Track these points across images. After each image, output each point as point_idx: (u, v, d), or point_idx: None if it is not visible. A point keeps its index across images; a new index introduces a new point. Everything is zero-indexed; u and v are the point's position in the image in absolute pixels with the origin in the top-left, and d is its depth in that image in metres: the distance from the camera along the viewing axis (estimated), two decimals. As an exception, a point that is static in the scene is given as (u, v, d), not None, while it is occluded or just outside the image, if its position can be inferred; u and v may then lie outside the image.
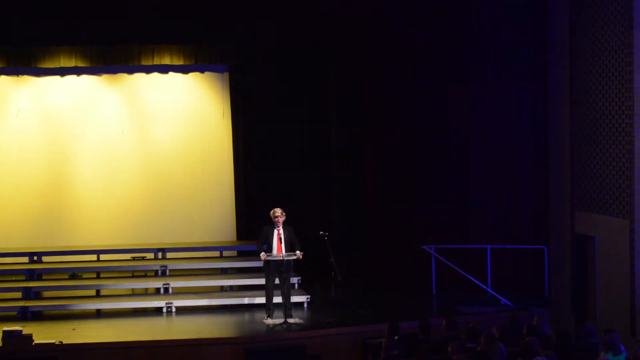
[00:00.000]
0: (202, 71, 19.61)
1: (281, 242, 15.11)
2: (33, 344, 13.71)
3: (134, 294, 17.27)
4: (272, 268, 15.20)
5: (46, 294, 17.20)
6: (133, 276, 17.82)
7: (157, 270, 17.80)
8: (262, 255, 15.14)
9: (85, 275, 17.84)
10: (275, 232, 15.18)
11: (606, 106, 15.74)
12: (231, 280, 17.51)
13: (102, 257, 18.41)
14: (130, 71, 19.38)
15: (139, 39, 18.44)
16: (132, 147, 19.44)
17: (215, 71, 19.63)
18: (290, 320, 14.98)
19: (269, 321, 15.16)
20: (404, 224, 17.65)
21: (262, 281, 16.11)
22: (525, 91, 17.65)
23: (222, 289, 17.32)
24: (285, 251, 15.05)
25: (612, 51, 15.49)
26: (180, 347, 13.99)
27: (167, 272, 17.70)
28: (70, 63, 18.59)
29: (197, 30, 18.25)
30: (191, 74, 19.60)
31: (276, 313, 15.25)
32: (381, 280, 17.73)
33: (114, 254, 18.38)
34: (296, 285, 16.74)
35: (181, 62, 18.97)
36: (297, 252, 15.09)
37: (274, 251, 15.15)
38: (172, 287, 16.96)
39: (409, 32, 17.58)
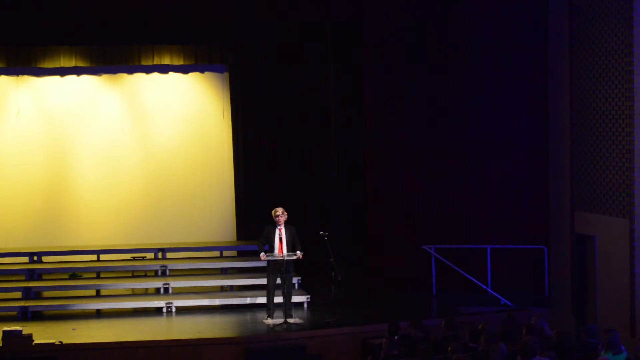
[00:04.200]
0: (202, 71, 19.62)
1: (282, 242, 15.11)
2: (33, 344, 13.71)
3: (134, 294, 17.27)
4: (273, 268, 15.21)
5: (46, 294, 17.21)
6: (133, 276, 17.82)
7: (157, 270, 17.81)
8: (262, 255, 15.15)
9: (85, 275, 17.85)
10: (277, 231, 15.18)
11: (606, 106, 15.74)
12: (231, 280, 17.51)
13: (102, 257, 18.42)
14: (130, 71, 19.39)
15: (139, 39, 18.44)
16: (132, 147, 19.45)
17: (215, 71, 19.63)
18: (290, 320, 14.99)
19: (269, 321, 15.17)
20: (404, 224, 17.65)
21: (261, 281, 16.14)
22: (525, 91, 17.65)
23: (222, 289, 17.33)
24: (287, 251, 15.06)
25: (612, 51, 15.49)
26: (180, 347, 14.00)
27: (167, 272, 17.71)
28: (70, 63, 18.59)
29: (197, 30, 18.25)
30: (191, 74, 19.61)
31: (276, 313, 15.25)
32: (381, 280, 17.73)
33: (114, 254, 18.39)
34: (296, 285, 16.74)
35: (181, 62, 18.97)
36: (298, 252, 15.10)
37: (275, 251, 15.15)
38: (172, 287, 16.96)
39: (408, 31, 17.58)
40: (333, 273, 15.04)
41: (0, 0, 17.01)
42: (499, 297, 16.55)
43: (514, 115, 17.66)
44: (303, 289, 16.91)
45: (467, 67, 17.62)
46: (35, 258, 18.13)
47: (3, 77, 19.10)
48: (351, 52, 18.49)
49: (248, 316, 15.77)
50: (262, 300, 15.74)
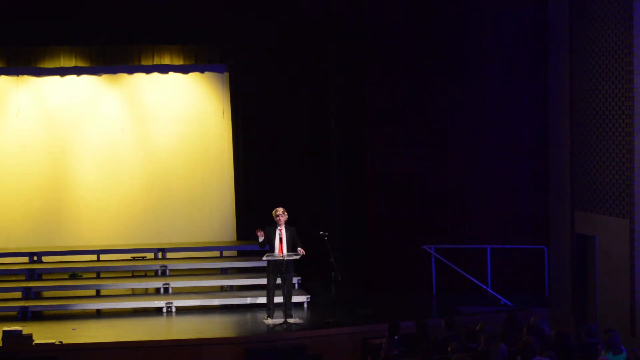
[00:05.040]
0: (202, 71, 19.61)
1: (282, 242, 15.11)
2: (33, 344, 13.71)
3: (134, 294, 17.27)
4: (273, 268, 15.21)
5: (46, 294, 17.21)
6: (133, 276, 17.82)
7: (157, 270, 17.81)
8: (259, 233, 15.03)
9: (85, 275, 17.85)
10: (277, 231, 15.18)
11: (606, 106, 15.74)
12: (231, 280, 17.51)
13: (102, 257, 18.41)
14: (130, 71, 19.38)
15: (139, 39, 18.44)
16: (132, 147, 19.44)
17: (215, 71, 19.63)
18: (290, 320, 14.99)
19: (269, 321, 15.17)
20: (404, 224, 17.64)
21: (261, 281, 16.14)
22: (525, 91, 17.65)
23: (222, 289, 17.33)
24: (287, 251, 15.06)
25: (612, 51, 15.49)
26: (180, 347, 14.00)
27: (167, 272, 17.71)
28: (70, 63, 18.59)
29: (197, 30, 18.24)
30: (191, 74, 19.61)
31: (276, 313, 15.25)
32: (381, 280, 17.73)
33: (114, 254, 18.39)
34: (296, 285, 16.74)
35: (181, 62, 18.97)
36: (299, 249, 15.08)
37: (275, 251, 15.15)
38: (172, 287, 16.96)
39: (409, 31, 17.57)
40: (333, 273, 15.04)
41: (1, 1, 17.01)
42: (499, 297, 16.55)
43: (514, 115, 17.66)
44: (303, 289, 16.92)
45: (467, 67, 17.62)
46: (35, 258, 18.12)
47: (3, 77, 19.10)
48: (351, 52, 18.47)
49: (248, 316, 15.77)
50: (262, 300, 15.74)
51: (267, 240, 15.26)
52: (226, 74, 19.61)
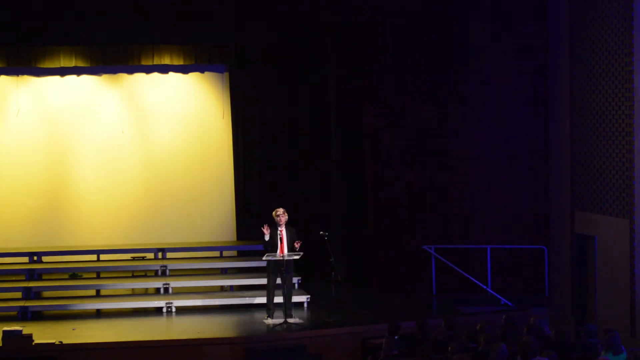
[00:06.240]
0: (202, 71, 19.61)
1: (282, 243, 15.11)
2: (33, 344, 13.71)
3: (134, 294, 17.27)
4: (273, 268, 15.21)
5: (46, 294, 17.20)
6: (133, 276, 17.82)
7: (157, 270, 17.81)
8: (265, 230, 15.02)
9: (85, 275, 17.85)
10: (278, 232, 15.17)
11: (606, 106, 15.75)
12: (231, 280, 17.51)
13: (102, 257, 18.41)
14: (130, 71, 19.37)
15: (139, 39, 18.44)
16: (132, 147, 19.43)
17: (215, 71, 19.62)
18: (290, 320, 14.99)
19: (269, 321, 15.17)
20: (404, 223, 17.64)
21: (261, 281, 16.14)
22: (525, 91, 17.65)
23: (222, 289, 17.33)
24: (287, 252, 15.05)
25: (612, 51, 15.50)
26: (180, 347, 14.00)
27: (167, 272, 17.71)
28: (70, 63, 18.58)
29: (197, 30, 18.25)
30: (191, 74, 19.60)
31: (276, 313, 15.26)
32: (381, 280, 17.73)
33: (114, 254, 18.38)
34: (296, 285, 16.74)
35: (181, 62, 18.96)
36: (296, 242, 15.03)
37: (276, 251, 15.14)
38: (172, 287, 16.96)
39: (408, 31, 17.58)
40: (333, 273, 15.04)
41: (1, 1, 17.01)
42: (499, 297, 16.56)
43: (514, 116, 17.66)
44: (303, 289, 16.92)
45: (467, 67, 17.63)
46: (35, 258, 18.12)
47: (3, 77, 19.09)
48: (351, 52, 18.47)
49: (248, 316, 15.77)
50: (262, 300, 15.74)
51: (271, 242, 15.18)
52: (226, 74, 19.60)
